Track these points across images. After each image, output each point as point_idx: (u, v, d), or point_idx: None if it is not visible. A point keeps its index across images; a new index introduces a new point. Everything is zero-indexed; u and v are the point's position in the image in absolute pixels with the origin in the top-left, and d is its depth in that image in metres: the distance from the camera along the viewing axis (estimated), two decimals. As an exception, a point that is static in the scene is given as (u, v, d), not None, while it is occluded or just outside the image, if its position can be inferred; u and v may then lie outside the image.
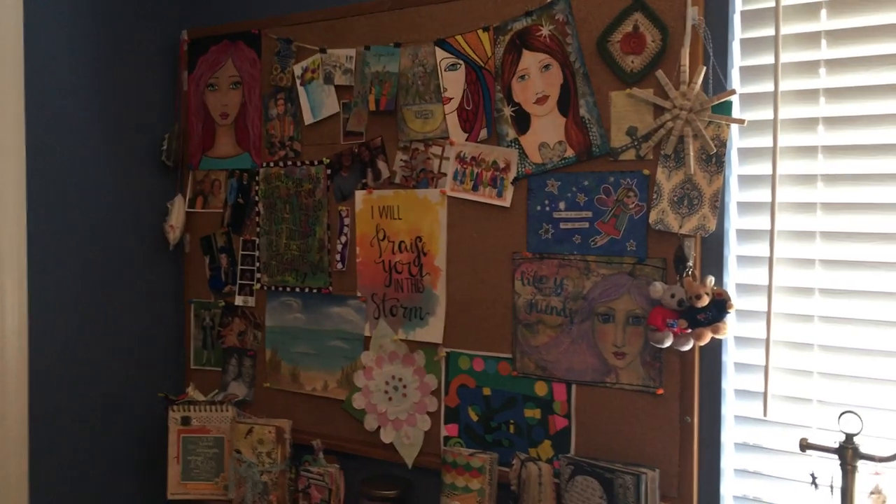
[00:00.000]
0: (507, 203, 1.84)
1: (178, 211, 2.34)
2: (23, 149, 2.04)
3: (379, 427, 2.03)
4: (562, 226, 1.78)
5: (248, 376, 2.28)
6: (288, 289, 2.20)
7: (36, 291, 2.07)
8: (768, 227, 1.60)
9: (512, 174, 1.83)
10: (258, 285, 2.25)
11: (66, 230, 2.15)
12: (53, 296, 2.12)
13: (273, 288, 2.23)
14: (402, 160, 1.99)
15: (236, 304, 2.29)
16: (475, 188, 1.88)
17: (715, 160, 1.61)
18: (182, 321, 2.42)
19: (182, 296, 2.41)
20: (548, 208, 1.79)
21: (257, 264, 2.25)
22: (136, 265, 2.32)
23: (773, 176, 1.58)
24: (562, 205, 1.77)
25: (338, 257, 2.11)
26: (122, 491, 2.30)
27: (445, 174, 1.92)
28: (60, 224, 2.13)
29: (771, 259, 1.58)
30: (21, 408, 2.05)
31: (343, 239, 2.10)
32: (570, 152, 1.76)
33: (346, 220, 2.10)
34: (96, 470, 2.23)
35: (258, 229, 2.25)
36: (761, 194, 1.63)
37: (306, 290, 2.16)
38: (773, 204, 1.58)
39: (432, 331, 1.96)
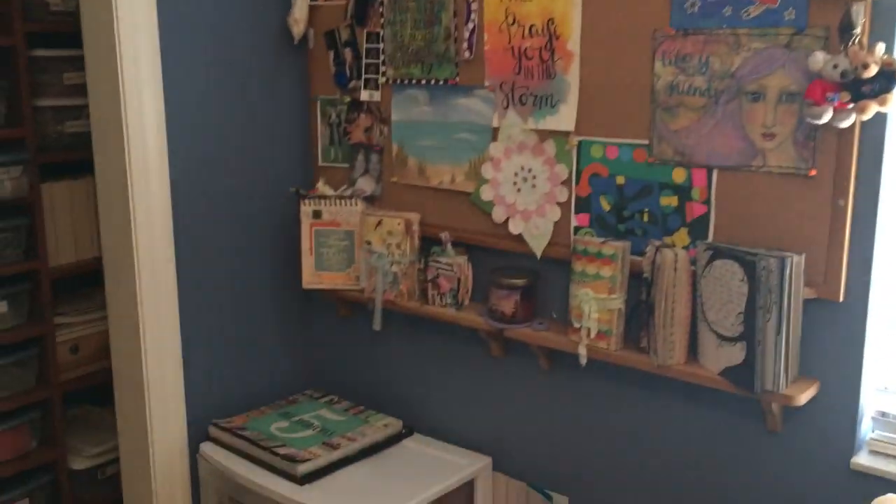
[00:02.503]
0: (649, -25, 1.70)
1: (301, 3, 2.29)
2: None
3: (507, 218, 2.02)
4: (710, -3, 1.63)
5: (376, 171, 2.29)
6: (413, 81, 2.15)
7: (170, 86, 2.10)
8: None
9: (656, -58, 1.68)
10: (383, 79, 2.22)
11: (193, 25, 2.15)
12: (185, 92, 2.15)
13: (398, 81, 2.18)
14: (534, -65, 1.86)
15: (361, 99, 2.27)
16: (614, -39, 1.74)
17: None
18: (309, 118, 2.43)
19: (308, 92, 2.41)
20: (695, -21, 1.65)
21: (382, 57, 2.21)
22: (261, 62, 2.32)
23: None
24: (712, -26, 1.62)
25: (465, 46, 2.03)
26: (260, 282, 2.41)
27: (582, -53, 1.78)
28: (189, 20, 2.13)
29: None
30: (164, 201, 2.15)
31: (470, 26, 2.01)
32: (724, -88, 1.59)
33: (474, 6, 2.00)
34: (235, 263, 2.34)
35: (382, 20, 2.18)
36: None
37: (432, 81, 2.11)
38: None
39: (564, 119, 1.89)
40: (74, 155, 2.44)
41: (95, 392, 2.70)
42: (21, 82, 2.28)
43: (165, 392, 2.20)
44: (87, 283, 2.61)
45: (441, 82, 2.10)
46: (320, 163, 2.42)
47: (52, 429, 2.48)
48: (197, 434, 2.26)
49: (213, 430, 2.23)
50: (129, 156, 2.07)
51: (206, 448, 2.20)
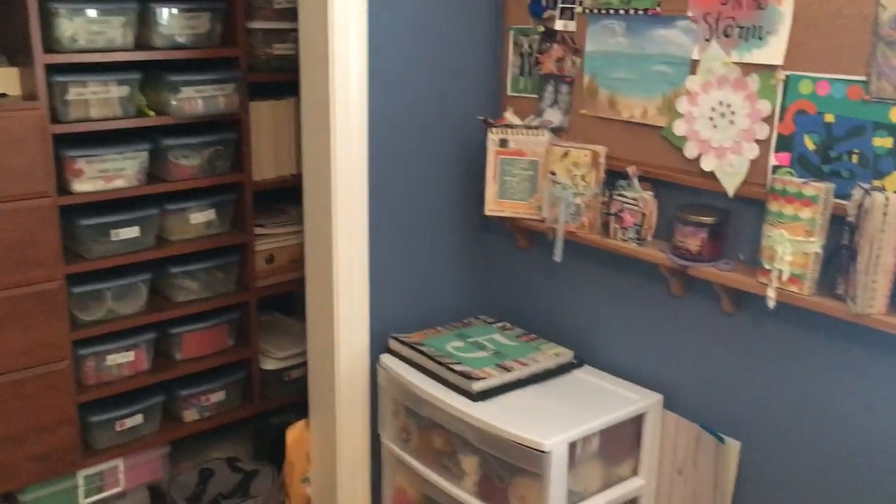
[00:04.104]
0: None
1: (501, -69, 2.30)
2: None
3: (699, 154, 1.97)
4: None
5: (565, 103, 2.29)
6: (612, 11, 2.12)
7: (373, 13, 2.19)
8: None
9: None
10: (580, 9, 2.20)
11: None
12: (387, 19, 2.23)
13: (595, 11, 2.16)
14: None
15: (556, 28, 2.26)
16: None
17: None
18: (500, 48, 2.45)
19: (501, 22, 2.43)
20: None
21: (580, -14, 2.18)
22: (459, -11, 2.36)
23: None
24: None
25: (669, -26, 1.97)
26: (444, 208, 2.49)
27: None
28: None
29: None
30: (361, 124, 2.25)
31: (677, -47, 1.95)
32: None
33: (682, -68, 1.94)
34: (422, 187, 2.42)
35: (583, -52, 2.16)
36: None
37: (631, 11, 2.07)
38: None
39: (772, 52, 1.81)
40: (279, 76, 2.59)
41: (284, 301, 2.90)
42: (236, 4, 2.43)
43: (352, 303, 2.33)
44: (284, 198, 2.78)
45: (640, 12, 2.06)
46: (509, 92, 2.44)
47: (247, 330, 2.69)
48: (377, 345, 2.39)
49: (392, 343, 2.35)
50: (333, 78, 2.18)
51: (386, 359, 2.32)
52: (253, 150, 2.58)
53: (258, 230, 2.66)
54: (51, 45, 2.16)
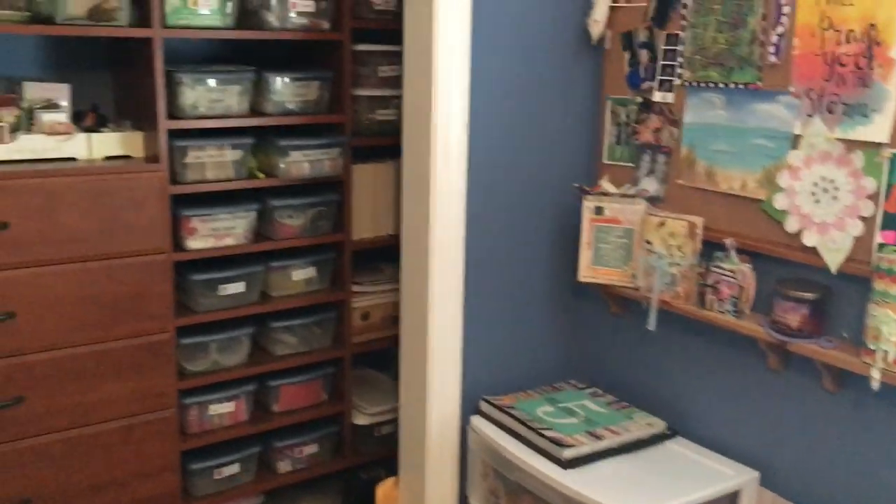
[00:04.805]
0: None
1: (601, 5, 2.36)
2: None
3: (801, 229, 1.96)
4: None
5: (661, 173, 2.31)
6: (711, 84, 2.14)
7: (475, 81, 2.27)
8: None
9: None
10: (679, 81, 2.23)
11: (500, 25, 2.29)
12: (487, 86, 2.30)
13: (695, 84, 2.18)
14: (861, -64, 1.78)
15: (654, 100, 2.29)
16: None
17: None
18: (597, 117, 2.50)
19: (599, 92, 2.48)
20: None
21: (679, 59, 2.22)
22: (557, 60, 2.42)
23: None
24: None
25: (771, 50, 1.99)
26: (537, 271, 2.52)
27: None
28: (497, 20, 2.28)
29: None
30: (460, 187, 2.32)
31: (780, 30, 1.97)
32: None
33: (785, 9, 1.95)
34: (516, 251, 2.47)
35: (683, 23, 2.19)
36: None
37: (731, 85, 2.09)
38: None
39: (877, 129, 1.80)
40: (381, 140, 2.69)
41: (377, 357, 2.97)
42: (344, 73, 2.55)
43: (445, 363, 2.38)
44: (380, 256, 2.87)
45: (741, 86, 2.07)
46: (605, 161, 2.48)
47: (341, 385, 2.76)
48: (468, 406, 2.42)
49: (483, 406, 2.38)
50: (434, 143, 2.26)
51: (476, 421, 2.35)
52: (353, 210, 2.68)
53: (355, 288, 2.74)
54: (173, 111, 2.32)
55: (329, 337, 2.73)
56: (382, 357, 2.99)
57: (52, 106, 2.26)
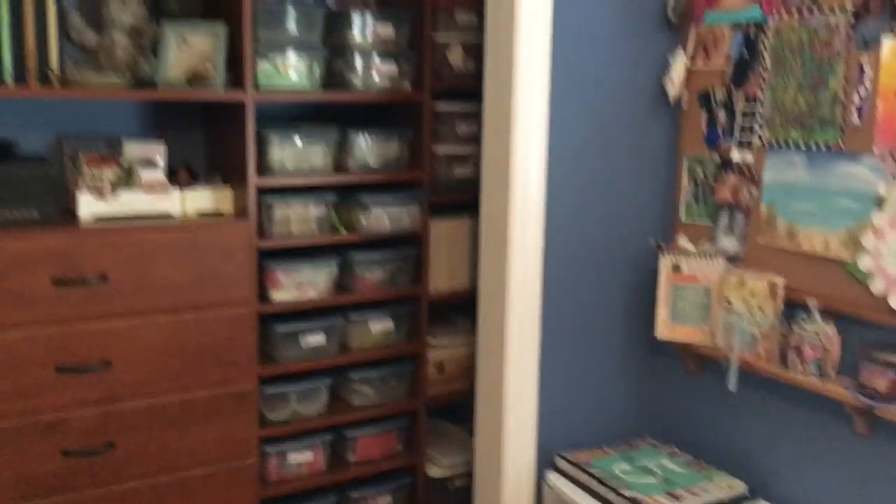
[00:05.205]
0: None
1: (678, 66, 2.39)
2: (549, 18, 2.26)
3: (887, 291, 1.93)
4: None
5: (740, 231, 2.31)
6: (791, 144, 2.15)
7: (553, 139, 2.32)
8: None
9: None
10: (758, 141, 2.24)
11: (577, 84, 2.35)
12: (565, 145, 2.35)
13: (775, 144, 2.19)
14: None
15: (733, 159, 2.30)
16: None
17: None
18: (674, 175, 2.51)
19: (676, 150, 2.50)
20: None
21: (759, 120, 2.23)
22: (634, 118, 2.46)
23: None
24: None
25: (853, 111, 1.99)
26: (613, 327, 2.53)
27: None
28: (573, 79, 2.34)
29: None
30: (537, 243, 2.36)
31: (862, 92, 1.97)
32: None
33: (867, 71, 1.96)
34: (592, 306, 2.49)
35: (762, 83, 2.21)
36: None
37: (813, 146, 2.09)
38: None
39: (967, 192, 1.78)
40: (457, 196, 2.75)
41: (451, 409, 2.99)
42: (424, 132, 2.63)
43: (521, 417, 2.39)
44: (454, 309, 2.91)
45: (822, 147, 2.07)
46: (682, 219, 2.49)
47: (415, 437, 2.79)
48: (544, 461, 2.42)
49: (559, 462, 2.38)
50: (513, 201, 2.31)
51: (553, 477, 2.35)
52: (430, 264, 2.73)
53: (430, 340, 2.78)
54: (262, 168, 2.42)
55: (404, 388, 2.77)
56: (456, 409, 3.01)
57: (149, 164, 2.38)
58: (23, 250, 2.06)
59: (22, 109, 2.37)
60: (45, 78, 2.18)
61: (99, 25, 2.34)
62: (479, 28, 2.62)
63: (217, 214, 2.42)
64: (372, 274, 2.64)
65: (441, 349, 2.82)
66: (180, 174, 2.45)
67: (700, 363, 2.44)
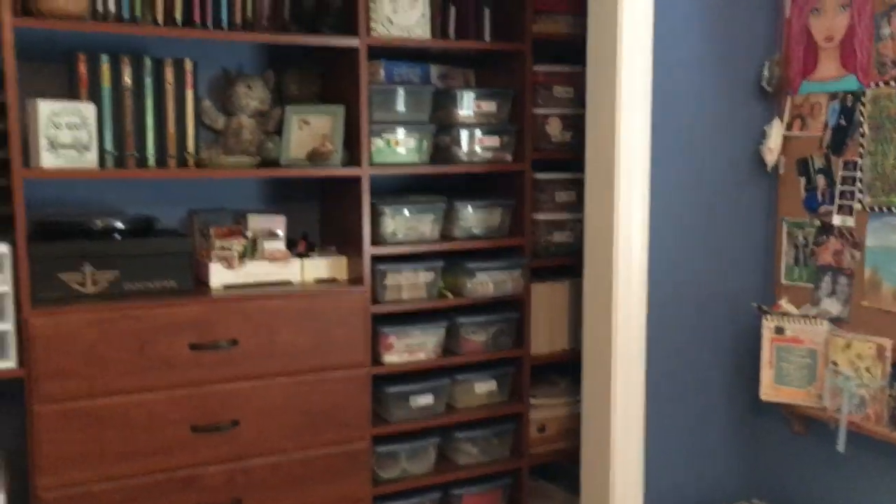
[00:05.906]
0: None
1: (775, 134, 2.47)
2: (649, 89, 2.37)
3: None
4: None
5: (843, 294, 2.34)
6: (894, 210, 2.19)
7: (654, 207, 2.41)
8: None
9: None
10: (859, 206, 2.28)
11: (676, 152, 2.44)
12: (665, 211, 2.44)
13: (876, 209, 2.24)
14: None
15: (833, 223, 2.35)
16: None
17: None
18: (772, 239, 2.57)
19: (775, 215, 2.56)
20: None
21: (858, 185, 2.28)
22: (732, 184, 2.54)
23: None
24: None
25: (957, 177, 2.03)
26: (716, 388, 2.58)
27: None
28: (673, 148, 2.44)
29: None
30: (641, 306, 2.43)
31: (965, 158, 2.02)
32: None
33: (970, 139, 2.01)
34: (695, 367, 2.54)
35: (861, 150, 2.27)
36: None
37: (916, 210, 2.14)
38: None
39: None
40: (557, 261, 2.86)
41: (549, 469, 3.05)
42: (525, 200, 2.76)
43: (627, 478, 2.44)
44: (555, 371, 2.99)
45: (926, 212, 2.11)
46: (783, 281, 2.53)
47: (518, 496, 2.85)
48: (651, 523, 2.46)
49: (667, 523, 2.41)
50: (616, 265, 2.40)
51: (661, 538, 2.38)
52: (531, 326, 2.82)
53: (532, 401, 2.86)
54: (375, 238, 2.57)
55: (507, 448, 2.84)
56: (555, 469, 3.06)
57: (271, 235, 2.56)
58: (167, 317, 2.24)
59: (160, 188, 2.58)
60: (182, 160, 2.39)
61: (227, 110, 2.55)
62: (576, 100, 2.75)
63: (332, 281, 2.58)
64: (477, 336, 2.75)
65: (542, 409, 2.89)
66: (299, 244, 2.62)
67: (806, 425, 2.45)
